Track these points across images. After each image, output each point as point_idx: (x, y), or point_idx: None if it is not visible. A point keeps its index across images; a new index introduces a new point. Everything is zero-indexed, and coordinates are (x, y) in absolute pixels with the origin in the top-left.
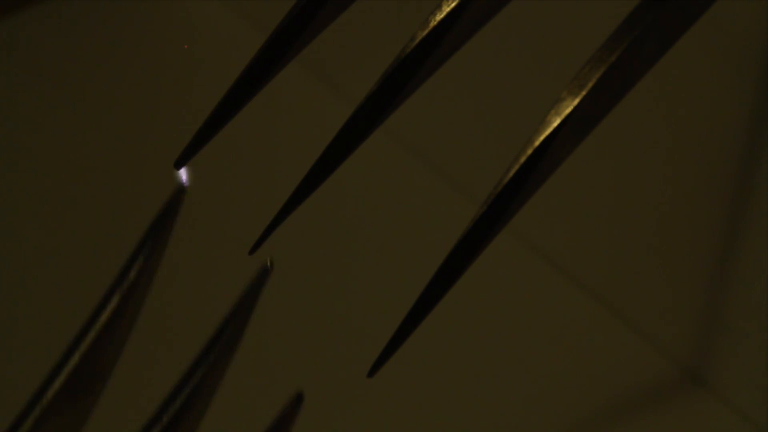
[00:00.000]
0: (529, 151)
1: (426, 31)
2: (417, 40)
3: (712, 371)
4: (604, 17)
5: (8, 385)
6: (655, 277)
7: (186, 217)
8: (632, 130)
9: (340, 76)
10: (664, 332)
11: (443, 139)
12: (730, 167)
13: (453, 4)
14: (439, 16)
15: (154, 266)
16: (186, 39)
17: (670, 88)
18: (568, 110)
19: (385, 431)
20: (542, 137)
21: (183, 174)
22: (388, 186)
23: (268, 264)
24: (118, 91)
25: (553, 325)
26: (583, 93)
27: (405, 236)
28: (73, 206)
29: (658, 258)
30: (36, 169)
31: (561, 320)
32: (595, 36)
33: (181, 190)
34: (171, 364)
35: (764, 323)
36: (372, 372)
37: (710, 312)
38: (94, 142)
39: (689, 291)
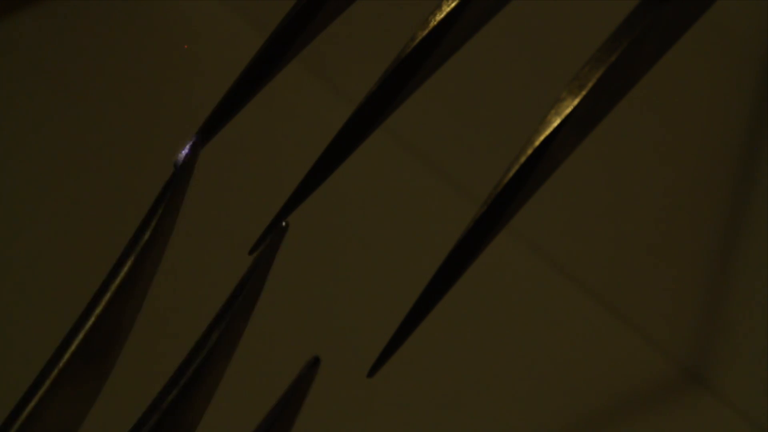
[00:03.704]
0: (529, 151)
1: (426, 31)
2: (417, 40)
3: (712, 371)
4: (604, 17)
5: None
6: (655, 277)
7: (186, 216)
8: (632, 130)
9: (340, 76)
10: (664, 332)
11: (443, 139)
12: (730, 167)
13: (453, 4)
14: (439, 16)
15: (169, 227)
16: (186, 39)
17: (670, 88)
18: (568, 110)
19: (385, 431)
20: (542, 137)
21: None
22: (388, 186)
23: (284, 224)
24: (118, 91)
25: (553, 325)
26: (583, 93)
27: (405, 236)
28: (72, 205)
29: (658, 258)
30: (35, 169)
31: (561, 320)
32: (595, 36)
33: (198, 141)
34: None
35: (764, 323)
36: (372, 372)
37: (710, 312)
38: (94, 142)
39: (689, 291)
